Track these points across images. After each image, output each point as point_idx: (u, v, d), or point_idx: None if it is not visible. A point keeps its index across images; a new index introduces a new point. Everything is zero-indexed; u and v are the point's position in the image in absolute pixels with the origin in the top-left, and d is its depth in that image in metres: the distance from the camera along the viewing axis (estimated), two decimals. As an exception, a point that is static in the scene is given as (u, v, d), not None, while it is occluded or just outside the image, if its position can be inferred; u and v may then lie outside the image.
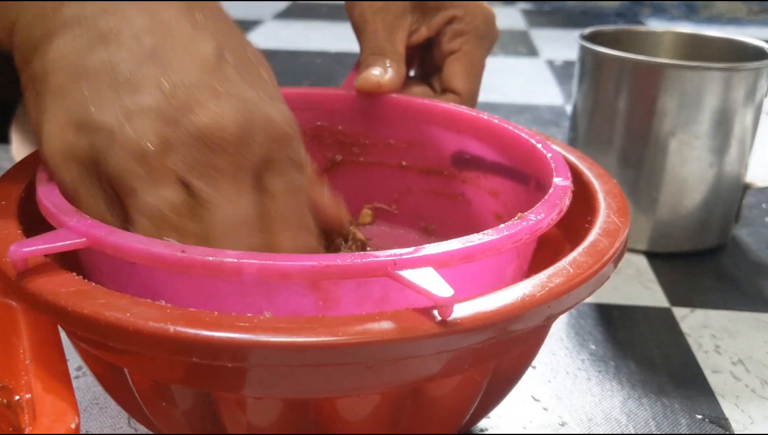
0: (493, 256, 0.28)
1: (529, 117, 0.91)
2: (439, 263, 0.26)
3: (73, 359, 0.43)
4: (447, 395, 0.29)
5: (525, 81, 1.08)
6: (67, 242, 0.27)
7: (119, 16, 0.29)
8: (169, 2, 0.30)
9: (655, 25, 1.49)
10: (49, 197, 0.29)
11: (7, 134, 0.66)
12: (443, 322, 0.24)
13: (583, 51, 0.59)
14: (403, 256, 0.26)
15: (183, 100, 0.29)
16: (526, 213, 0.30)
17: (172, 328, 0.23)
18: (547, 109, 0.95)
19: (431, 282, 0.25)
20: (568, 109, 0.94)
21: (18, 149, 0.64)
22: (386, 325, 0.24)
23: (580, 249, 0.30)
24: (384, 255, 0.26)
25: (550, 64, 1.18)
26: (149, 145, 0.28)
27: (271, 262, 0.25)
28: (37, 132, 0.30)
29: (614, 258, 0.30)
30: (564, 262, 0.28)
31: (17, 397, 0.26)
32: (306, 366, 0.25)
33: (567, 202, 0.32)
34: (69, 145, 0.29)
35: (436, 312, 0.24)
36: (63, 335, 0.28)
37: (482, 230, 0.28)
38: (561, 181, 0.33)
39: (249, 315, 0.24)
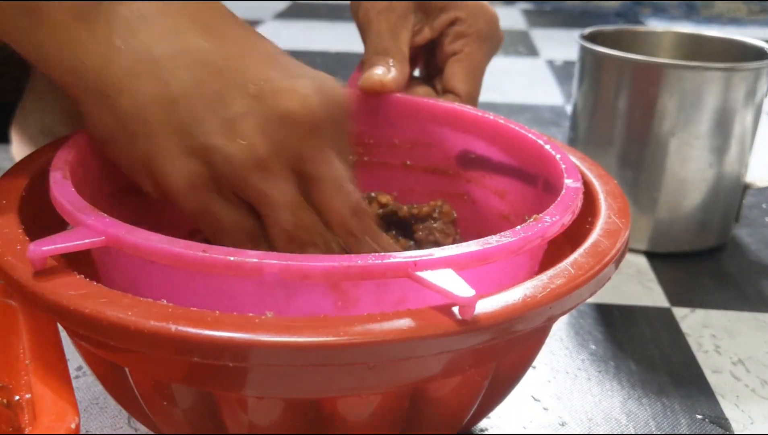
0: (510, 258, 0.28)
1: (529, 117, 0.91)
2: (458, 265, 0.26)
3: (73, 359, 0.43)
4: (448, 395, 0.29)
5: (525, 81, 1.08)
6: (86, 241, 0.27)
7: (180, 40, 0.31)
8: (204, 10, 0.32)
9: (655, 25, 1.49)
10: (65, 196, 0.29)
11: (7, 134, 0.66)
12: (463, 321, 0.24)
13: (583, 51, 0.59)
14: (423, 258, 0.26)
15: (270, 94, 0.31)
16: (541, 215, 0.30)
17: (173, 328, 0.23)
18: (547, 109, 0.95)
19: (452, 283, 0.25)
20: (568, 109, 0.94)
21: (18, 149, 0.63)
22: (397, 324, 0.24)
23: (581, 250, 0.30)
24: (404, 256, 0.26)
25: (550, 64, 1.18)
26: (261, 150, 0.30)
27: (292, 263, 0.25)
28: (150, 168, 0.31)
29: (615, 259, 0.30)
30: (565, 263, 0.28)
31: (17, 397, 0.26)
32: (308, 366, 0.25)
33: (579, 203, 0.32)
34: (188, 174, 0.30)
35: (457, 311, 0.25)
36: (63, 335, 0.28)
37: (488, 230, 0.28)
38: (572, 183, 0.33)
39: (251, 315, 0.24)
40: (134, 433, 0.38)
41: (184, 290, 0.27)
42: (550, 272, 0.28)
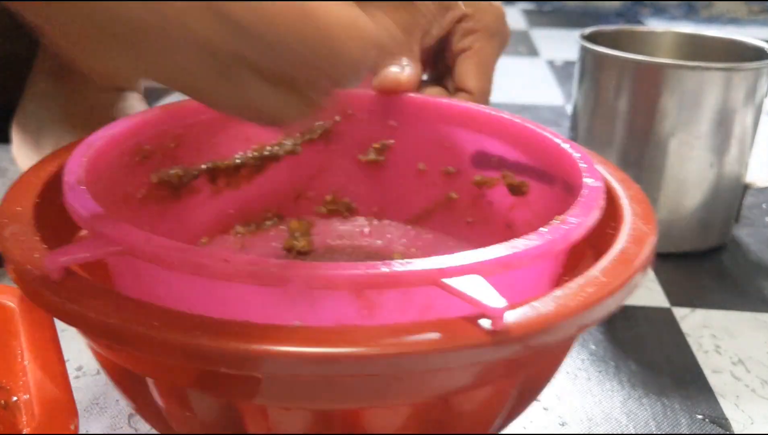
0: (537, 263, 0.27)
1: (529, 117, 0.90)
2: (486, 271, 0.25)
3: (73, 359, 0.43)
4: (477, 406, 0.29)
5: (525, 81, 1.08)
6: (104, 250, 0.26)
7: None
8: None
9: (655, 25, 1.49)
10: (81, 203, 0.28)
11: (7, 134, 0.65)
12: (493, 332, 0.23)
13: (584, 51, 0.59)
14: (450, 265, 0.25)
15: None
16: (565, 215, 0.29)
17: (197, 338, 0.23)
18: (547, 109, 0.95)
19: (481, 291, 0.24)
20: (568, 109, 0.94)
21: (18, 149, 0.63)
22: (431, 335, 0.23)
23: (609, 257, 0.29)
24: (430, 263, 0.25)
25: (550, 64, 1.18)
26: None
27: (318, 272, 0.24)
28: None
29: (644, 265, 0.29)
30: (594, 271, 0.28)
31: (15, 398, 0.26)
32: (337, 377, 0.24)
33: (603, 203, 0.31)
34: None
35: (488, 322, 0.24)
36: (61, 335, 0.28)
37: (504, 234, 0.27)
38: (593, 182, 0.32)
39: (278, 324, 0.23)
40: (134, 433, 0.38)
41: (204, 299, 0.26)
42: (580, 280, 0.27)
